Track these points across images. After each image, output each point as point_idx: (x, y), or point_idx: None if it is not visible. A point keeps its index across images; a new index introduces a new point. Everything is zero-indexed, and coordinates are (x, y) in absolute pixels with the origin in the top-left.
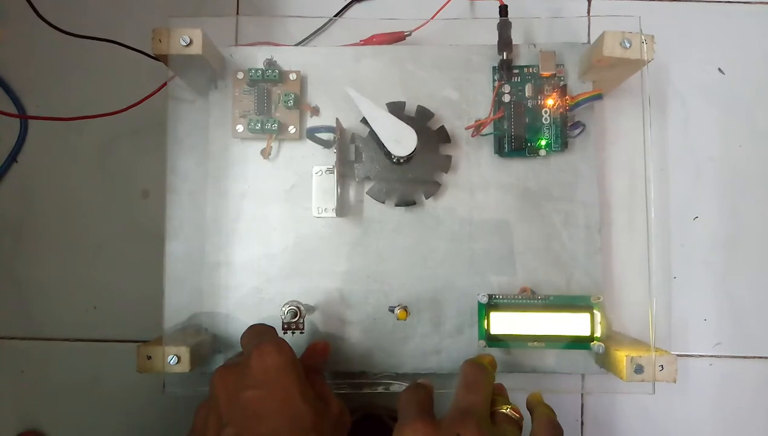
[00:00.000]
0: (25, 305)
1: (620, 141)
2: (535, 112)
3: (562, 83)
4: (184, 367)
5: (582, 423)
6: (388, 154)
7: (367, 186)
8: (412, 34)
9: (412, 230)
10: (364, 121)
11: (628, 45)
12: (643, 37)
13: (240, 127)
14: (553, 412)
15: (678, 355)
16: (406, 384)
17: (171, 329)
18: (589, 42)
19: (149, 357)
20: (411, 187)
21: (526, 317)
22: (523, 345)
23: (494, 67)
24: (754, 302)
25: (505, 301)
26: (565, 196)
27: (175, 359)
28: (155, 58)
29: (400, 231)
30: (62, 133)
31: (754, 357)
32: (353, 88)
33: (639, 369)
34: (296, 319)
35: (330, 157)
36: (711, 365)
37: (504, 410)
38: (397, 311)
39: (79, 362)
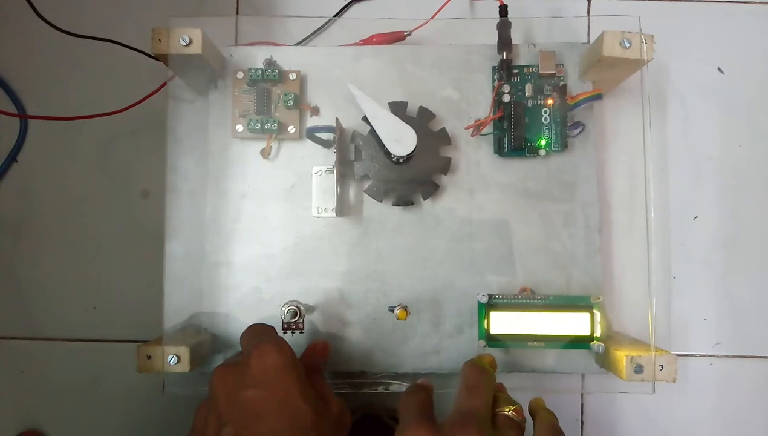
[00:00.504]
0: (25, 305)
1: (620, 141)
2: (535, 112)
3: (561, 83)
4: (184, 367)
5: (582, 423)
6: (387, 153)
7: (366, 185)
8: (412, 34)
9: (411, 230)
10: (365, 119)
11: (627, 45)
12: (642, 37)
13: (240, 127)
14: (556, 417)
15: (678, 355)
16: (406, 384)
17: (171, 329)
18: (588, 42)
19: (149, 357)
20: (409, 187)
21: (526, 316)
22: (523, 345)
23: (494, 67)
24: (753, 301)
25: (505, 301)
26: (564, 196)
27: (174, 359)
28: (155, 57)
29: (399, 231)
30: (62, 132)
31: (754, 357)
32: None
33: (639, 369)
34: (296, 319)
35: (330, 157)
36: (711, 364)
37: (506, 412)
38: (396, 310)
39: (79, 362)
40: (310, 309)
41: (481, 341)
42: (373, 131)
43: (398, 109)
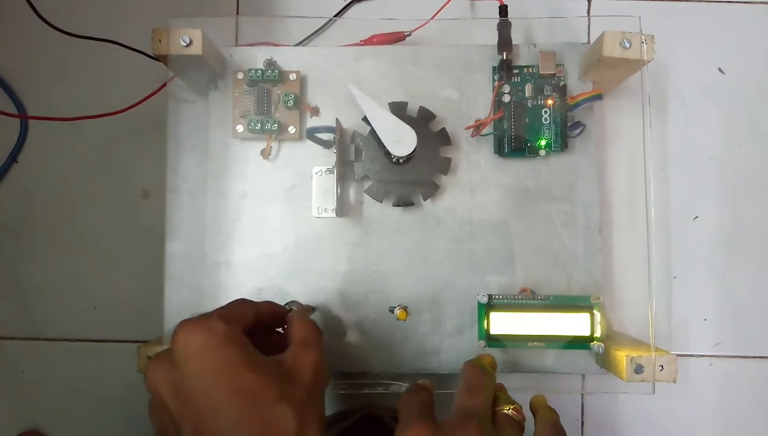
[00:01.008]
0: (25, 305)
1: (620, 141)
2: (535, 112)
3: (562, 83)
4: None
5: (582, 423)
6: (387, 153)
7: (366, 185)
8: (412, 34)
9: (412, 230)
10: (365, 120)
11: (627, 45)
12: (643, 37)
13: (240, 128)
14: (557, 415)
15: (678, 355)
16: (406, 384)
17: (171, 329)
18: (588, 42)
19: (149, 357)
20: (409, 187)
21: (526, 317)
22: (523, 345)
23: (494, 67)
24: (754, 301)
25: (505, 301)
26: (565, 197)
27: None
28: (155, 58)
29: (400, 231)
30: (62, 133)
31: (754, 357)
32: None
33: (639, 369)
34: None
35: (330, 157)
36: (711, 364)
37: (506, 411)
38: (397, 311)
39: (79, 363)
40: (311, 310)
41: (481, 342)
42: (373, 132)
43: (398, 109)
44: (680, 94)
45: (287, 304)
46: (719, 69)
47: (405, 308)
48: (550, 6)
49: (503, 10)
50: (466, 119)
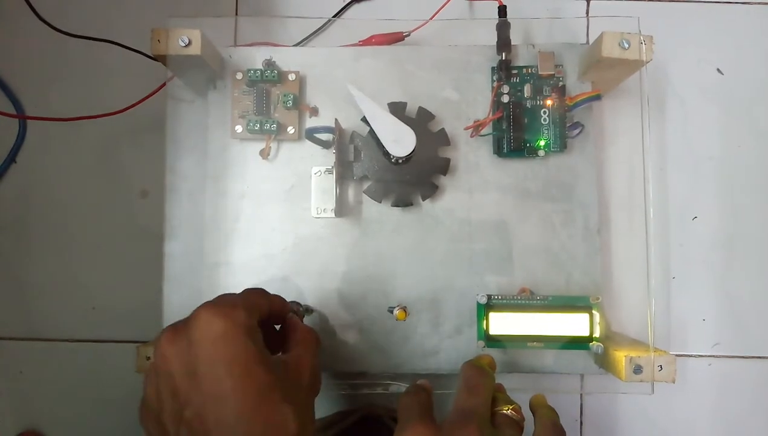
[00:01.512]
0: (25, 306)
1: (619, 141)
2: (534, 112)
3: (560, 84)
4: None
5: (581, 423)
6: (386, 154)
7: (365, 185)
8: (411, 34)
9: (411, 231)
10: (364, 120)
11: (626, 45)
12: (641, 38)
13: (239, 128)
14: (557, 415)
15: (677, 355)
16: (406, 384)
17: None
18: (587, 42)
19: (148, 358)
20: (409, 188)
21: (525, 317)
22: (522, 346)
23: (493, 68)
24: (753, 302)
25: (504, 301)
26: (564, 197)
27: None
28: (154, 58)
29: (399, 232)
30: (61, 133)
31: (753, 357)
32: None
33: (638, 369)
34: None
35: (329, 157)
36: (710, 365)
37: (505, 411)
38: (396, 311)
39: (78, 363)
40: (310, 310)
41: (480, 342)
42: (372, 132)
43: (397, 109)
44: (679, 95)
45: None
46: (718, 69)
47: (404, 309)
48: (549, 6)
49: (502, 11)
50: (465, 120)
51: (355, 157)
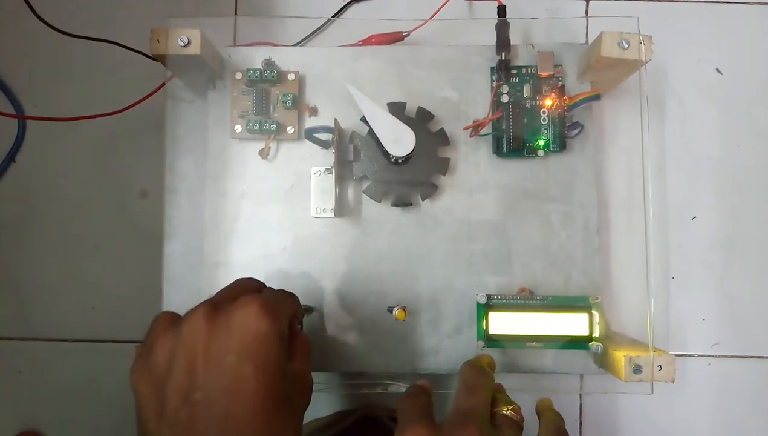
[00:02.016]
0: (24, 306)
1: (618, 141)
2: (534, 112)
3: (560, 84)
4: None
5: (581, 423)
6: (386, 154)
7: (365, 185)
8: (411, 34)
9: (410, 231)
10: (364, 120)
11: (626, 45)
12: (641, 38)
13: (238, 128)
14: (562, 420)
15: (676, 355)
16: (405, 385)
17: None
18: (587, 42)
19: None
20: (408, 188)
21: (524, 317)
22: (521, 346)
23: (492, 68)
24: (752, 301)
25: (504, 301)
26: (563, 197)
27: None
28: (153, 58)
29: (398, 231)
30: (60, 133)
31: (752, 357)
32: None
33: (637, 369)
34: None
35: (328, 157)
36: (709, 365)
37: (504, 411)
38: (395, 311)
39: (77, 363)
40: (309, 310)
41: (479, 342)
42: (371, 132)
43: (397, 109)
44: (678, 95)
45: None
46: (717, 69)
47: (404, 309)
48: (549, 6)
49: (501, 11)
50: (464, 119)
51: (354, 157)
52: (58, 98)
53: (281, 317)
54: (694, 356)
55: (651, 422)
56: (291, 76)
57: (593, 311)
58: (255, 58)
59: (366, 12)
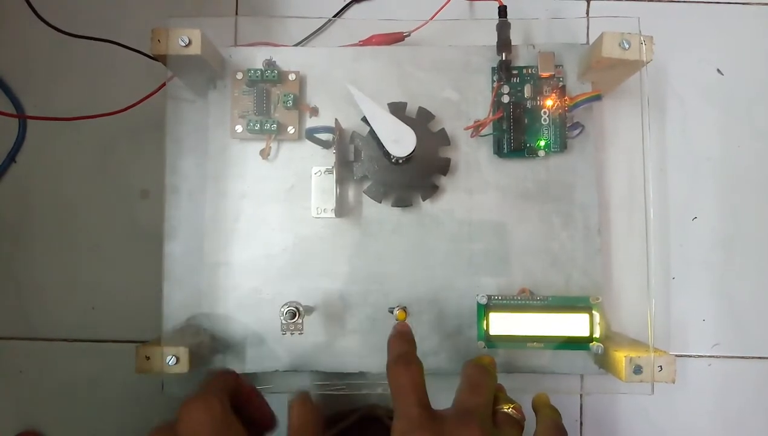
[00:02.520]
0: (24, 306)
1: (619, 142)
2: (534, 112)
3: (561, 84)
4: (183, 367)
5: (581, 424)
6: (387, 154)
7: (365, 185)
8: (411, 34)
9: (411, 231)
10: (364, 120)
11: (626, 46)
12: (641, 38)
13: (239, 128)
14: (559, 415)
15: (677, 355)
16: None
17: (170, 329)
18: (588, 43)
19: (148, 358)
20: (409, 188)
21: (525, 317)
22: (522, 346)
23: (493, 68)
24: (752, 302)
25: (504, 302)
26: (564, 197)
27: (173, 360)
28: (154, 58)
29: (399, 232)
30: (61, 133)
31: (753, 357)
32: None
33: (638, 370)
34: (295, 320)
35: (329, 157)
36: (710, 365)
37: (506, 410)
38: (396, 311)
39: (77, 363)
40: (310, 310)
41: (480, 342)
42: (372, 132)
43: (397, 109)
44: (679, 95)
45: (286, 305)
46: (718, 70)
47: (404, 309)
48: (549, 7)
49: (502, 11)
50: (465, 120)
51: (355, 157)
52: (59, 98)
53: (214, 403)
54: (695, 356)
55: (651, 423)
56: (292, 76)
57: (594, 312)
58: (256, 58)
59: (367, 12)
